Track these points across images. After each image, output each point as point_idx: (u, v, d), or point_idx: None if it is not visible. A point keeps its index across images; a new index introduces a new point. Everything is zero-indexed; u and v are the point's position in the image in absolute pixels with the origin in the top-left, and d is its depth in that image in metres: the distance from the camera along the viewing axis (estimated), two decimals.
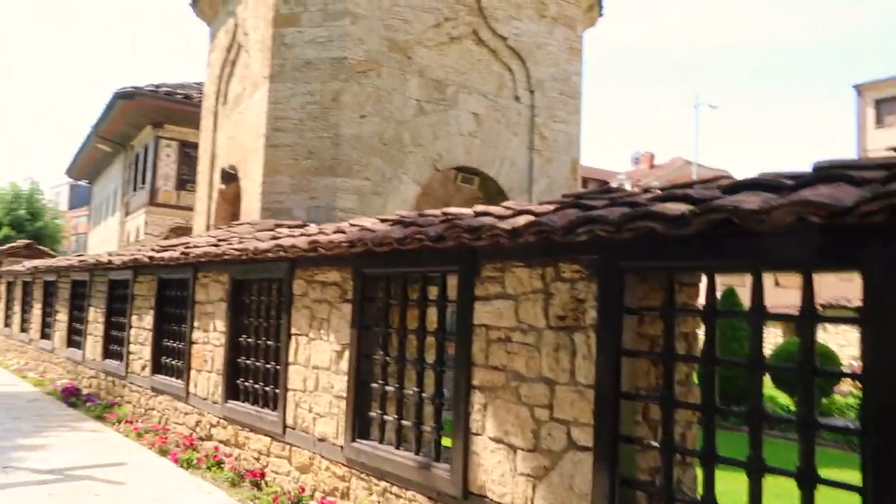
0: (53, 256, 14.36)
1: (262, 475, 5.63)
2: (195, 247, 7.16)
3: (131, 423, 8.00)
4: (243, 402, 6.29)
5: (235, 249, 6.12)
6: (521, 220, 3.45)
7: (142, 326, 8.61)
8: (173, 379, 7.69)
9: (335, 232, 5.01)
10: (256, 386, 6.13)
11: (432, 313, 4.55)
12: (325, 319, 5.25)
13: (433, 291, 4.55)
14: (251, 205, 10.37)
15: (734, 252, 2.74)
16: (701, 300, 3.19)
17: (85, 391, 10.06)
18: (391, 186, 9.99)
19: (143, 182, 22.03)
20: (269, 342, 6.02)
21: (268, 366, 6.00)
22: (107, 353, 9.75)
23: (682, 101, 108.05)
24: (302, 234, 5.44)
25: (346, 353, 4.94)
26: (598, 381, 3.17)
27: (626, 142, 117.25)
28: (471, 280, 3.98)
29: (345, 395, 4.91)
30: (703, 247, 2.81)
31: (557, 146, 11.30)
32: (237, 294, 6.55)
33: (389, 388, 4.62)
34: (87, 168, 30.58)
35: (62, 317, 11.89)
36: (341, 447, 4.87)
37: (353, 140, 9.72)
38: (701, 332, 3.18)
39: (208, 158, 12.98)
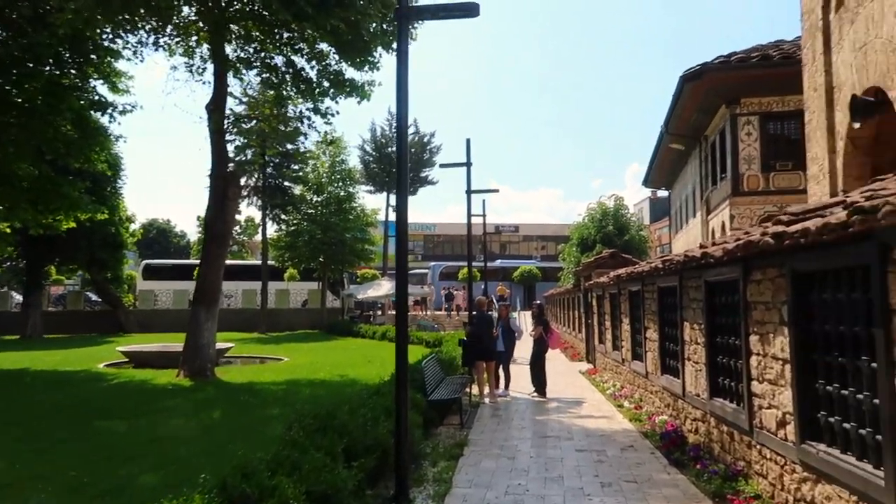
0: (636, 263, 12.48)
1: None
2: (871, 196, 3.42)
3: None
4: None
5: None
6: None
7: (766, 353, 5.25)
8: (847, 458, 4.05)
9: None
10: None
11: None
12: None
13: None
14: None
15: None
16: None
17: (690, 438, 7.28)
18: None
19: (723, 172, 19.28)
20: None
21: None
22: (714, 389, 6.71)
23: None
24: None
25: None
26: None
27: None
28: None
29: None
30: None
31: None
32: None
33: None
34: (662, 174, 29.88)
35: (652, 334, 9.55)
36: None
37: None
38: None
39: (820, 96, 8.92)
